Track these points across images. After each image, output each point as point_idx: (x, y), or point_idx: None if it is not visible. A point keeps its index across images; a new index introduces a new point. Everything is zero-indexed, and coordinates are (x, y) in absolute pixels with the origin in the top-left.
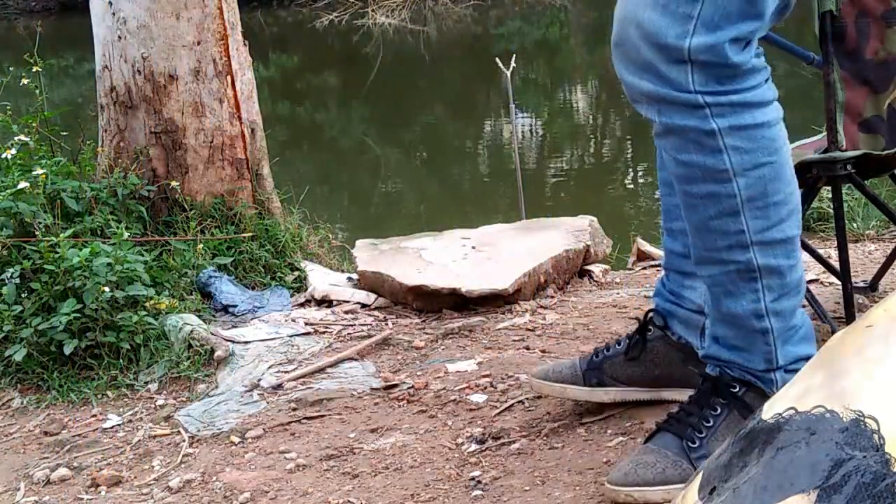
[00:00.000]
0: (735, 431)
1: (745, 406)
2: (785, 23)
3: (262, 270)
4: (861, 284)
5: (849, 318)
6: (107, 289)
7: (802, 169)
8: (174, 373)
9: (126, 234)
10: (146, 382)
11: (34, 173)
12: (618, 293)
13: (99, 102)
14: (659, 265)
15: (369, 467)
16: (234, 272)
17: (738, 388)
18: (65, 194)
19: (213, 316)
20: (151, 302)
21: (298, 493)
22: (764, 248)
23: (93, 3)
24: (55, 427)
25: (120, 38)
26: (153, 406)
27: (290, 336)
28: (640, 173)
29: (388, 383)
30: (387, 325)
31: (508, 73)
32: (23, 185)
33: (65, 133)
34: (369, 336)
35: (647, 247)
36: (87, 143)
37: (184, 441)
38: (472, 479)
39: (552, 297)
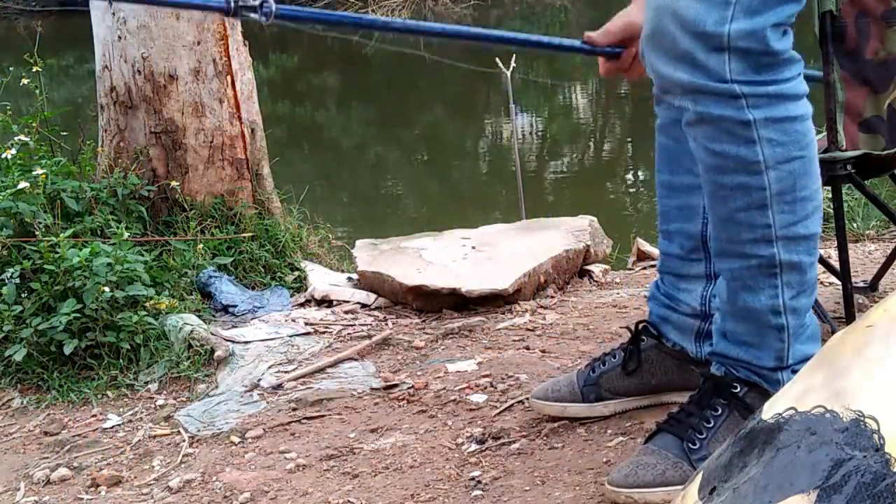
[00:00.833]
0: (735, 432)
1: (745, 407)
2: None
3: (262, 270)
4: (861, 284)
5: (849, 318)
6: (107, 289)
7: None
8: (174, 373)
9: (126, 234)
10: (146, 382)
11: (34, 173)
12: (618, 293)
13: (99, 102)
14: None
15: (369, 467)
16: (234, 272)
17: (739, 389)
18: (65, 194)
19: (213, 316)
20: (151, 302)
21: (298, 493)
22: (788, 244)
23: (93, 3)
24: (55, 427)
25: (120, 38)
26: (153, 406)
27: (290, 336)
28: (640, 173)
29: (388, 383)
30: (387, 325)
31: (508, 73)
32: (23, 185)
33: (65, 133)
34: (369, 336)
35: (647, 247)
36: (87, 143)
37: (184, 441)
38: (472, 479)
39: (552, 297)
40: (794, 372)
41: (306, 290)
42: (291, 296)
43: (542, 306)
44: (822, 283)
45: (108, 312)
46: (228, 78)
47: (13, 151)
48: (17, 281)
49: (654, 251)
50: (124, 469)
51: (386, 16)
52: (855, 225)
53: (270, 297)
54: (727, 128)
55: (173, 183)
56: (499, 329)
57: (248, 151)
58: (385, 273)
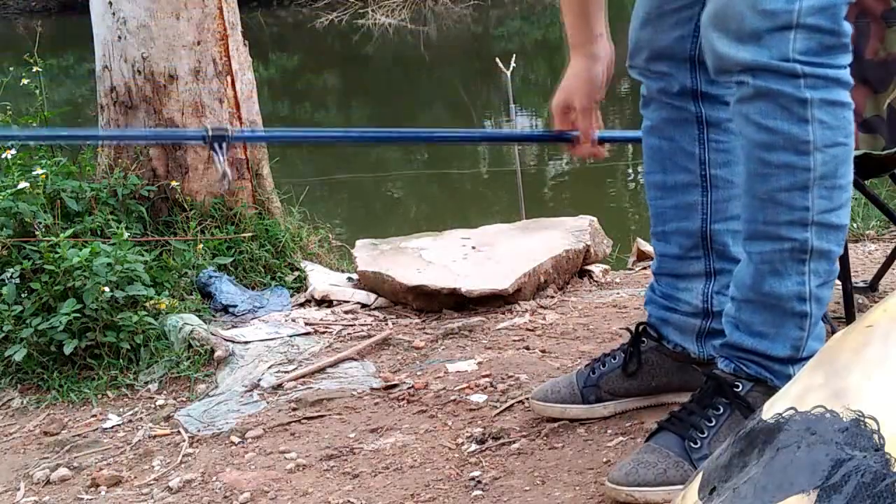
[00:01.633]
0: (735, 432)
1: (747, 406)
2: None
3: (262, 270)
4: (861, 284)
5: (849, 318)
6: (107, 289)
7: None
8: (174, 373)
9: (126, 234)
10: (146, 382)
11: (34, 173)
12: (618, 293)
13: (99, 102)
14: None
15: (369, 467)
16: (234, 272)
17: (742, 388)
18: (65, 194)
19: (213, 316)
20: (151, 302)
21: (298, 493)
22: (821, 231)
23: (93, 3)
24: (55, 427)
25: (120, 38)
26: (153, 406)
27: (290, 336)
28: (640, 173)
29: (388, 383)
30: (387, 325)
31: (508, 73)
32: (23, 185)
33: None
34: (369, 336)
35: (646, 247)
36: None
37: (184, 441)
38: (472, 479)
39: (552, 297)
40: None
41: (306, 290)
42: (291, 296)
43: (542, 306)
44: None
45: (108, 312)
46: (228, 78)
47: (13, 151)
48: (17, 281)
49: None
50: (124, 469)
51: (385, 16)
52: (855, 225)
53: (270, 297)
54: (784, 104)
55: (173, 183)
56: (499, 329)
57: (248, 151)
58: (385, 273)
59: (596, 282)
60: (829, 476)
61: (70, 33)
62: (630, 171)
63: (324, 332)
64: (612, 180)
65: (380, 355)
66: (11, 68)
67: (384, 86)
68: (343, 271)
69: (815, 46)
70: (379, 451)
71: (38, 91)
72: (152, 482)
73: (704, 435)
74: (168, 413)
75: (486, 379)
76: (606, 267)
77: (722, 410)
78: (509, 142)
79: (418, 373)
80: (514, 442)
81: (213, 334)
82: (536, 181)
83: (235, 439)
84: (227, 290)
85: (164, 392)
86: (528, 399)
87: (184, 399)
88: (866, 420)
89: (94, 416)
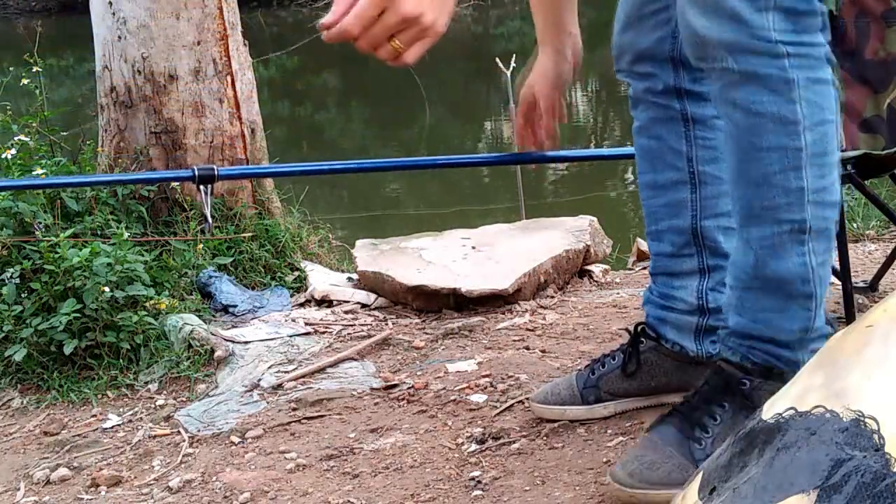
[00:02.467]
0: (735, 431)
1: (751, 405)
2: None
3: (262, 270)
4: (861, 284)
5: (849, 318)
6: (107, 289)
7: None
8: (174, 373)
9: (126, 234)
10: (146, 382)
11: (34, 173)
12: (618, 293)
13: (99, 102)
14: None
15: (369, 467)
16: (234, 272)
17: (747, 385)
18: (65, 194)
19: (213, 316)
20: (151, 302)
21: (298, 493)
22: (816, 209)
23: (93, 3)
24: (55, 427)
25: (120, 38)
26: (153, 406)
27: (290, 336)
28: None
29: (388, 383)
30: (387, 325)
31: (508, 73)
32: None
33: (65, 133)
34: (369, 336)
35: (646, 247)
36: (87, 143)
37: (184, 441)
38: (472, 479)
39: (552, 297)
40: (813, 352)
41: (306, 290)
42: (291, 296)
43: (542, 306)
44: None
45: (108, 312)
46: (228, 78)
47: (13, 151)
48: (17, 281)
49: None
50: (124, 469)
51: None
52: (855, 225)
53: (270, 297)
54: (771, 86)
55: (173, 183)
56: (499, 329)
57: (248, 151)
58: (385, 273)
59: (596, 282)
60: (829, 476)
61: (70, 33)
62: (630, 171)
63: (324, 332)
64: (612, 180)
65: (380, 355)
66: (11, 68)
67: (384, 86)
68: (343, 271)
69: (794, 26)
70: (379, 451)
71: (38, 91)
72: (152, 482)
73: (709, 434)
74: (168, 413)
75: (486, 379)
76: (606, 267)
77: (727, 408)
78: (468, 166)
79: (418, 373)
80: (514, 442)
81: (213, 334)
82: (536, 181)
83: (235, 439)
84: (227, 290)
85: (164, 392)
86: (528, 399)
87: (184, 399)
88: (866, 420)
89: (94, 416)
